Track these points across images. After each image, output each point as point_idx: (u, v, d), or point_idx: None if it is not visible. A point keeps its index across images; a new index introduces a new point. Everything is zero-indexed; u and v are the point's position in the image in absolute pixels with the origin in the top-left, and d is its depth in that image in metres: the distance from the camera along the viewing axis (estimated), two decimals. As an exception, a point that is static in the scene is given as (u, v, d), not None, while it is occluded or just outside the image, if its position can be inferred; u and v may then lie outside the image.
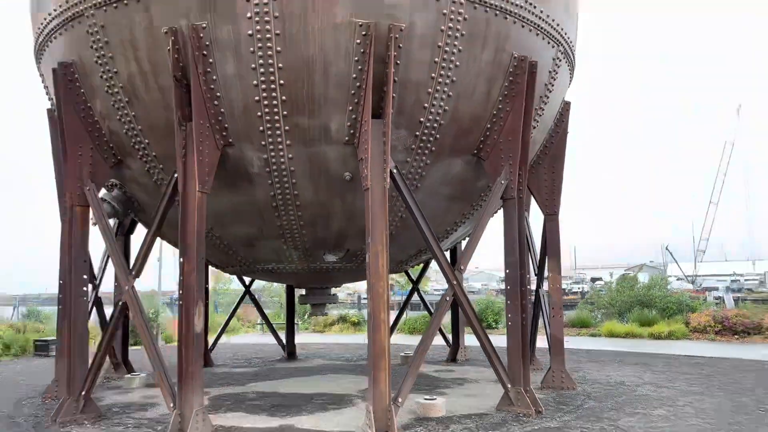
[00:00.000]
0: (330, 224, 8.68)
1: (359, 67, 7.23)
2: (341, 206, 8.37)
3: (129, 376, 11.48)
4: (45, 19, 8.29)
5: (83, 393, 7.94)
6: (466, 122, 8.23)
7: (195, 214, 6.97)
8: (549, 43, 8.87)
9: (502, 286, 10.57)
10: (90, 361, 8.18)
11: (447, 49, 7.53)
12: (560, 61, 9.45)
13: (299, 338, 22.08)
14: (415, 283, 16.54)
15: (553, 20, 8.79)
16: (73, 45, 8.02)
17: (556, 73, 9.48)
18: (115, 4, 7.34)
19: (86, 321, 8.44)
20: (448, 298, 7.91)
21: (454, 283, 7.75)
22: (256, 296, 18.32)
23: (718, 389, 10.04)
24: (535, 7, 8.31)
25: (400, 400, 7.11)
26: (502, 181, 8.29)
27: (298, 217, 8.41)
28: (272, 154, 7.66)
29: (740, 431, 7.22)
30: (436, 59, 7.55)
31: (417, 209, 7.62)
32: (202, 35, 7.05)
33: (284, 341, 16.35)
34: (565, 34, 9.31)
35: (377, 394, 6.72)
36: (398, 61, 7.31)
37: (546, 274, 10.83)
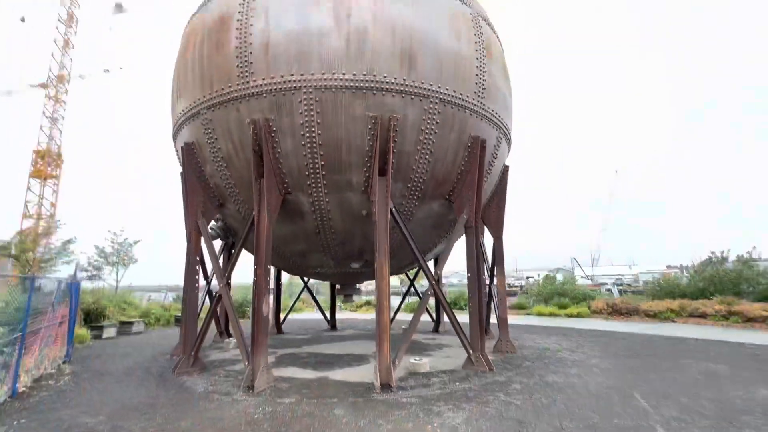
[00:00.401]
0: (353, 243, 8.41)
1: (370, 143, 7.06)
2: (360, 232, 8.12)
3: (227, 340, 11.14)
4: (178, 115, 8.36)
5: (193, 353, 7.62)
6: (441, 178, 7.99)
7: (264, 236, 6.74)
8: (493, 128, 8.65)
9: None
10: (198, 331, 7.88)
11: (427, 131, 7.35)
12: (501, 139, 9.21)
13: (340, 315, 21.63)
14: (412, 281, 16.05)
15: (496, 113, 8.59)
16: (193, 131, 8.03)
17: (498, 147, 9.24)
18: (218, 107, 7.33)
19: (197, 304, 8.21)
20: (429, 293, 7.52)
21: (433, 282, 7.36)
22: (314, 289, 17.85)
23: (613, 354, 9.36)
24: (485, 105, 8.13)
25: (397, 361, 6.68)
26: (464, 216, 7.96)
27: (333, 238, 8.15)
28: (316, 198, 7.47)
29: (631, 381, 6.60)
30: (421, 137, 7.37)
31: (409, 235, 7.34)
32: (271, 124, 6.97)
33: (328, 317, 15.89)
34: (504, 122, 9.09)
35: (381, 357, 6.33)
36: (396, 139, 7.14)
37: (495, 275, 10.34)
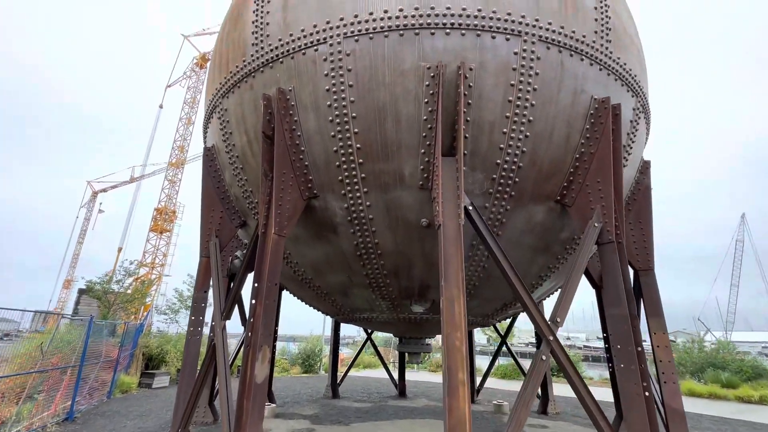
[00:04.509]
0: (412, 273, 5.57)
1: (429, 109, 4.48)
2: (421, 254, 5.28)
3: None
4: (203, 122, 6.90)
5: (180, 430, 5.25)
6: (546, 166, 4.93)
7: (268, 256, 4.36)
8: (628, 91, 5.45)
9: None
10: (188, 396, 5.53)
11: (521, 87, 4.54)
12: (640, 113, 5.89)
13: (414, 376, 17.91)
14: (504, 337, 12.08)
15: (630, 70, 5.44)
16: (212, 132, 6.44)
17: (637, 126, 5.90)
18: (232, 90, 5.59)
19: (197, 357, 5.93)
20: (544, 357, 4.09)
21: (551, 338, 4.06)
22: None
23: None
24: (611, 53, 5.10)
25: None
26: (596, 224, 4.65)
27: (381, 266, 5.45)
28: (351, 202, 4.99)
29: None
30: (510, 98, 4.56)
31: (500, 252, 4.29)
32: (288, 97, 4.89)
33: (397, 379, 12.56)
34: (642, 86, 5.82)
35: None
36: (469, 101, 4.45)
37: (650, 331, 6.33)
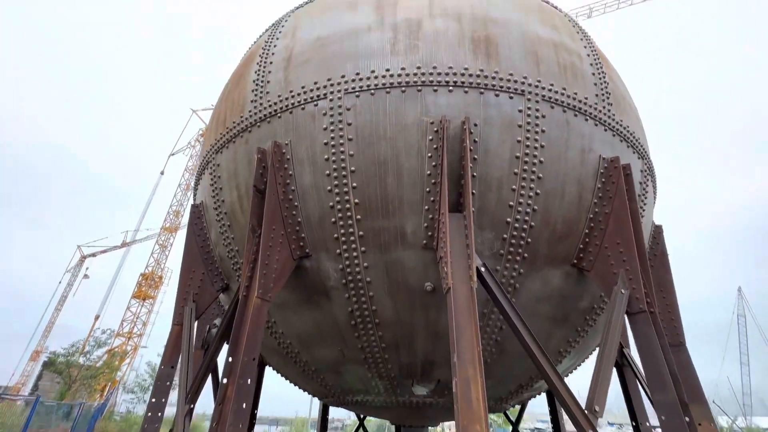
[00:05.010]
0: (414, 347, 4.83)
1: (433, 163, 4.22)
2: (424, 324, 4.62)
3: None
4: (195, 179, 6.64)
5: None
6: (560, 225, 4.56)
7: (249, 322, 3.72)
8: (634, 153, 5.34)
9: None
10: None
11: (528, 143, 4.35)
12: (647, 176, 5.72)
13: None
14: (515, 425, 10.58)
15: (633, 133, 5.39)
16: (202, 189, 6.13)
17: (646, 188, 5.70)
18: (227, 145, 5.39)
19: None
20: None
21: (585, 418, 3.26)
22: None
23: None
24: (614, 115, 5.07)
25: None
26: (622, 290, 4.13)
27: (379, 337, 4.74)
28: (347, 263, 4.47)
29: None
30: (518, 154, 4.35)
31: (519, 319, 3.66)
32: (284, 151, 4.66)
33: (394, 482, 10.67)
34: (645, 149, 5.74)
35: None
36: (475, 156, 4.22)
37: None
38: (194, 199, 6.63)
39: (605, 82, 5.29)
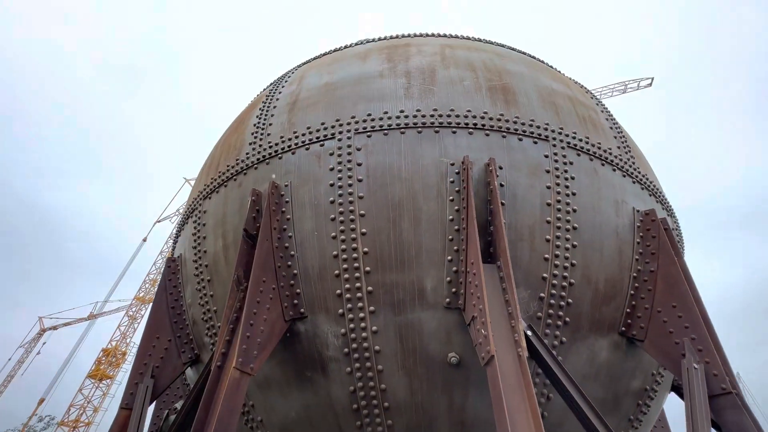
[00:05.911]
0: (433, 441, 3.72)
1: (455, 208, 3.67)
2: (447, 410, 3.61)
3: None
4: (176, 230, 5.92)
5: None
6: (603, 284, 3.90)
7: (221, 403, 2.73)
8: (663, 208, 4.93)
9: None
10: None
11: (559, 190, 3.89)
12: (678, 232, 5.25)
13: None
14: None
15: (659, 189, 5.07)
16: (182, 242, 5.38)
17: (683, 248, 5.16)
18: (217, 189, 4.81)
19: None
20: None
21: None
22: None
23: None
24: (638, 168, 4.78)
25: None
26: (695, 365, 3.32)
27: (389, 427, 3.65)
28: (351, 326, 3.61)
29: None
30: (549, 201, 3.85)
31: (577, 391, 2.79)
32: (283, 193, 4.08)
33: None
34: (672, 209, 5.36)
35: None
36: (503, 201, 3.70)
37: None
38: (172, 253, 5.82)
39: (623, 136, 5.10)
